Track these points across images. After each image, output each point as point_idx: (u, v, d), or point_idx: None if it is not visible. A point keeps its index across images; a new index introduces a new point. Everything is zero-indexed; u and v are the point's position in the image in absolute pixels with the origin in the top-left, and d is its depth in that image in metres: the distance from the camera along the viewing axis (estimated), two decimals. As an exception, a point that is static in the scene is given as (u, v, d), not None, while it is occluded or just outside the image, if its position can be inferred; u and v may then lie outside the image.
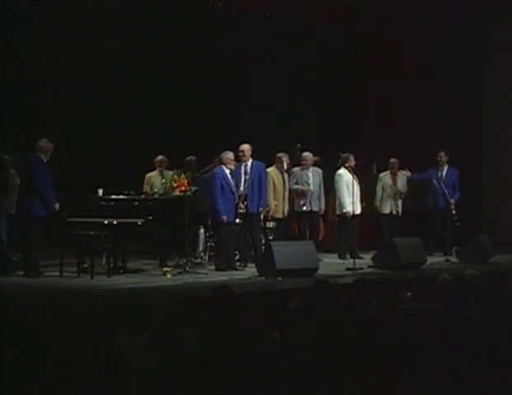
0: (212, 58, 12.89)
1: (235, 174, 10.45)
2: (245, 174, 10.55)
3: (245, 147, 10.56)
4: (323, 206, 11.82)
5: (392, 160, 12.46)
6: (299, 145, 12.34)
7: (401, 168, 12.50)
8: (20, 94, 11.11)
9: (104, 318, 6.50)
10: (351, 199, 11.51)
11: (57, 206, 9.31)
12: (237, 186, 10.43)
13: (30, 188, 9.25)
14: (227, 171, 10.30)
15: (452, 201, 12.13)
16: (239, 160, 10.54)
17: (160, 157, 11.04)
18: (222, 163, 10.33)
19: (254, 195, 10.48)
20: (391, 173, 12.46)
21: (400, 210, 12.41)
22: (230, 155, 10.35)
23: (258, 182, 10.53)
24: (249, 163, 10.56)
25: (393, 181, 12.47)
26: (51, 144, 9.44)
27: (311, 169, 11.64)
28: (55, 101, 11.48)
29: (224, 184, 10.22)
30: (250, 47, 13.21)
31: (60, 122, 11.35)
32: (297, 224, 11.97)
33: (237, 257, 10.65)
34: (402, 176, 12.50)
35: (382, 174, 12.37)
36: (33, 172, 9.28)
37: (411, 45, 14.08)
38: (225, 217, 10.13)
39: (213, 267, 10.28)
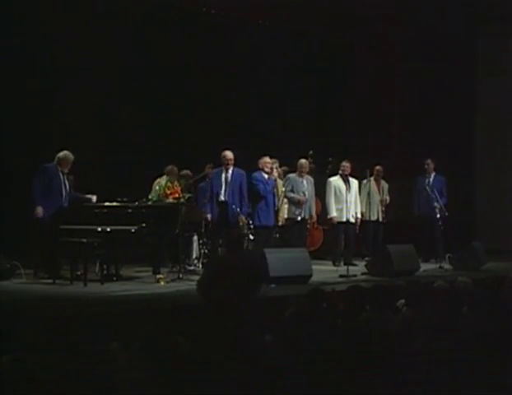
0: (204, 64, 12.91)
1: (215, 181, 10.34)
2: (226, 181, 10.37)
3: (230, 154, 10.35)
4: (313, 213, 11.71)
5: (377, 167, 12.51)
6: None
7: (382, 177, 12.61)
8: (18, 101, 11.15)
9: (97, 325, 6.47)
10: (339, 206, 11.52)
11: (39, 211, 9.39)
12: (217, 194, 10.35)
13: None
14: (266, 176, 10.36)
15: (439, 204, 11.91)
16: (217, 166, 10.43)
17: (169, 167, 10.93)
18: (259, 169, 10.39)
19: (235, 202, 10.32)
20: (375, 180, 12.48)
21: (384, 216, 12.44)
22: (266, 159, 10.42)
23: (239, 190, 10.35)
24: (231, 170, 10.38)
25: (379, 188, 12.51)
26: (68, 156, 9.67)
27: (305, 176, 11.52)
28: (50, 106, 11.47)
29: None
30: (242, 54, 13.26)
31: (54, 128, 11.34)
32: (291, 232, 11.81)
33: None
34: (385, 184, 12.56)
35: (364, 182, 12.33)
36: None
37: (403, 53, 14.16)
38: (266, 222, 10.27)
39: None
